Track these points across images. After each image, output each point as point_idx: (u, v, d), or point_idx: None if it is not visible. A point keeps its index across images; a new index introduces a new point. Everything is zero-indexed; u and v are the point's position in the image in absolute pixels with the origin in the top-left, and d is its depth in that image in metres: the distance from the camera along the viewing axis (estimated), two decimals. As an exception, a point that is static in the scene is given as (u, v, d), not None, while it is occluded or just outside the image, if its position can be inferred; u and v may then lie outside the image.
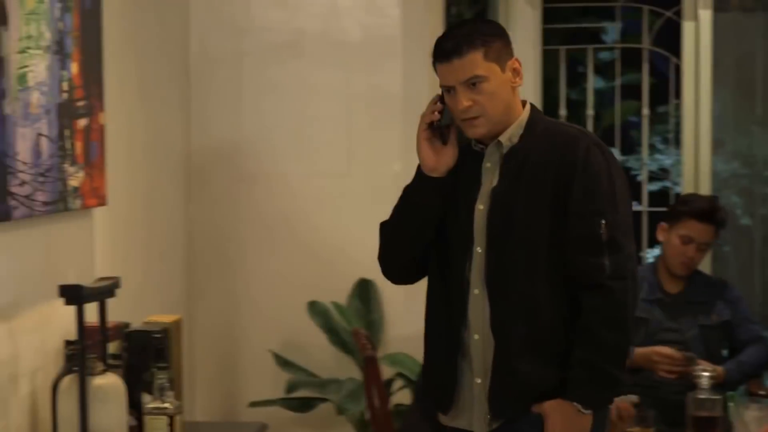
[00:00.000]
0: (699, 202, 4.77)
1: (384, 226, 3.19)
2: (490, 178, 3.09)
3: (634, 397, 4.03)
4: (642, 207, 6.06)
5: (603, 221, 2.99)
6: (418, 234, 3.14)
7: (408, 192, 3.16)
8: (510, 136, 3.08)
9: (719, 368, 4.42)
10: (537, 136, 3.08)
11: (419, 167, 3.12)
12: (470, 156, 3.13)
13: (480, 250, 3.06)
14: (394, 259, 3.22)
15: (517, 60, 3.08)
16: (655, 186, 7.17)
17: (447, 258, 3.12)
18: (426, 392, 3.25)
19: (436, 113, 3.09)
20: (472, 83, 3.01)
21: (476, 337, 3.07)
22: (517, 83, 3.09)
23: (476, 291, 3.06)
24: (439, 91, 3.08)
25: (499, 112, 3.04)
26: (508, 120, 3.08)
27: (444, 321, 3.13)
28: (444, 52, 3.04)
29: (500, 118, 3.05)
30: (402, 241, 3.18)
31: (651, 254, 5.94)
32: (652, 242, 5.09)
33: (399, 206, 3.17)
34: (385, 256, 3.22)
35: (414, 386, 4.68)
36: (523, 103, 3.14)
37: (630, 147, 7.17)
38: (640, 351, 4.51)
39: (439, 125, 3.09)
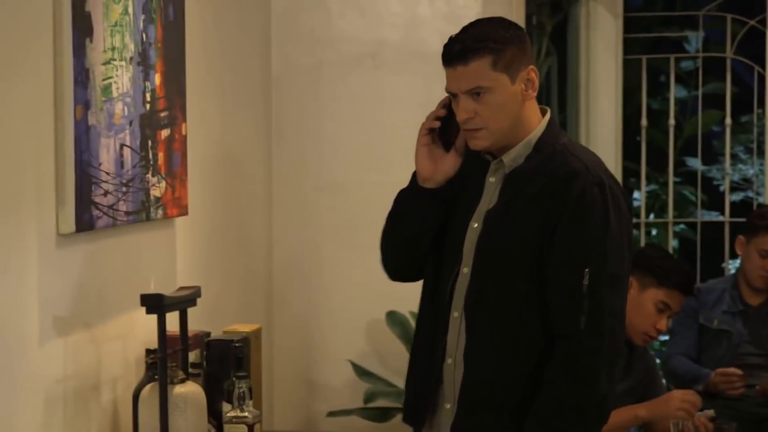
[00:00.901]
0: None
1: (386, 220, 3.01)
2: (490, 195, 2.86)
3: (710, 412, 3.99)
4: (724, 217, 6.01)
5: (586, 270, 2.72)
6: (410, 242, 2.95)
7: (399, 198, 2.98)
8: (515, 156, 2.83)
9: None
10: (543, 160, 2.81)
11: (414, 174, 2.94)
12: (479, 165, 2.89)
13: (466, 271, 2.84)
14: (388, 256, 3.03)
15: (533, 69, 2.80)
16: (737, 196, 7.11)
17: (439, 271, 2.92)
18: (405, 407, 3.05)
19: (436, 120, 2.89)
20: (476, 93, 2.77)
21: (449, 361, 2.88)
22: (530, 95, 2.81)
23: (456, 314, 2.85)
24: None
25: (504, 126, 2.79)
26: (516, 135, 2.82)
27: (427, 338, 2.94)
28: (448, 56, 2.81)
29: (506, 133, 2.80)
30: (393, 246, 3.00)
31: (733, 265, 5.89)
32: (734, 253, 5.03)
33: (391, 212, 3.00)
34: (381, 251, 3.05)
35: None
36: (543, 110, 2.88)
37: (712, 157, 7.12)
38: (711, 376, 4.51)
39: (442, 131, 2.88)
